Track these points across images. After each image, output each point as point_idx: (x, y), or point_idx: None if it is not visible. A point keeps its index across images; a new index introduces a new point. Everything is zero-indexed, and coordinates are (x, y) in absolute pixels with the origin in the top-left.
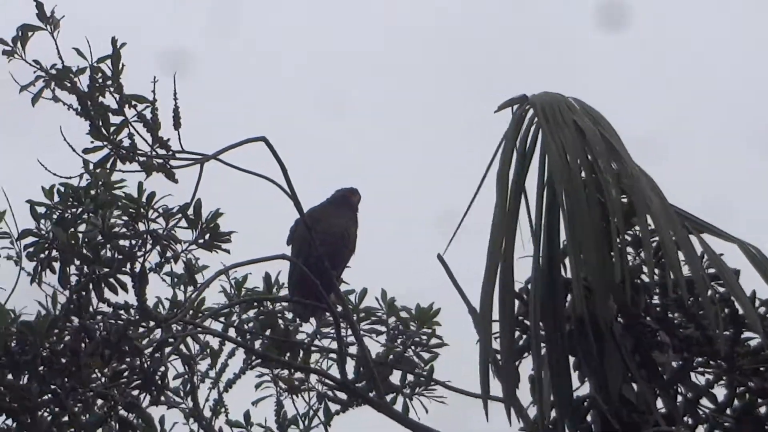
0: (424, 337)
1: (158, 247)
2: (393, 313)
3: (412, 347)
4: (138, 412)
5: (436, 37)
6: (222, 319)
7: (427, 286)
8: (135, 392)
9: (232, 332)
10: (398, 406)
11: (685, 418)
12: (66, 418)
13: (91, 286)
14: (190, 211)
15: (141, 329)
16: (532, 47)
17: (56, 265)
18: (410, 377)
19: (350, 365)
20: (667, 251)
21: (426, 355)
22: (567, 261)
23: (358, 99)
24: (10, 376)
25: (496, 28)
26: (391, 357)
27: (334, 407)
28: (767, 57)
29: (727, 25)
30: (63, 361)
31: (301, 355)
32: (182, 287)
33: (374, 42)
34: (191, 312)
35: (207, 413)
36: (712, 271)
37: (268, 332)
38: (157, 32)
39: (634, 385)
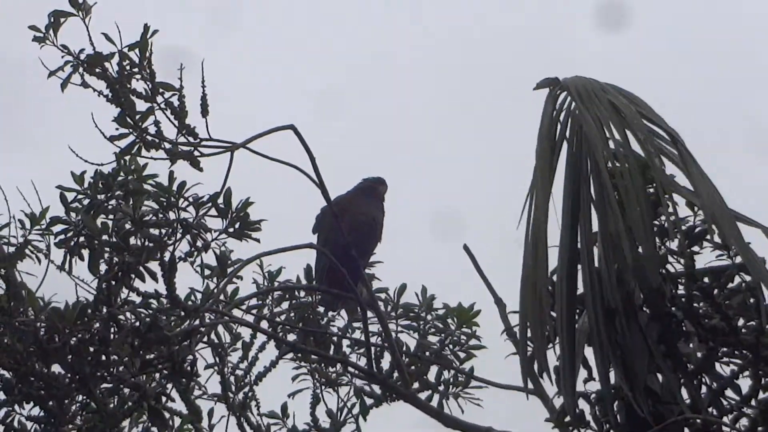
0: (464, 337)
1: (188, 236)
2: (431, 310)
3: (450, 346)
4: (186, 400)
5: (435, 37)
6: (254, 311)
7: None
8: (164, 381)
9: (263, 324)
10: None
11: (710, 409)
12: (94, 406)
13: (120, 275)
14: (220, 200)
15: (171, 318)
16: (532, 47)
17: (85, 253)
18: (446, 374)
19: (386, 360)
20: (722, 228)
21: (462, 355)
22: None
23: (357, 99)
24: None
25: (496, 28)
26: (427, 353)
27: (369, 401)
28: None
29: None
30: (91, 349)
31: (332, 348)
32: (215, 279)
33: (373, 42)
34: (222, 301)
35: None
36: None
37: (300, 324)
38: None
39: (659, 376)
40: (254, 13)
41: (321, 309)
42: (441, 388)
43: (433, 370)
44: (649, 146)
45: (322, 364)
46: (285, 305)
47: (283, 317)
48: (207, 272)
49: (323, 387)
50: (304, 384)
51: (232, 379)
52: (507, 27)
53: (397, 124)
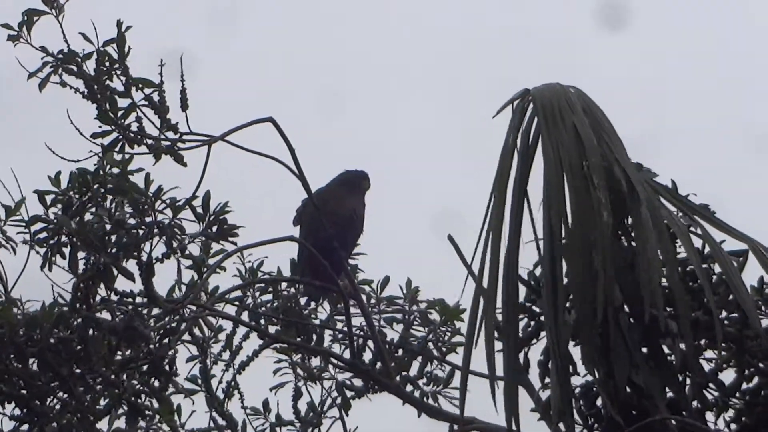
0: (448, 333)
1: (164, 238)
2: (415, 303)
3: (432, 340)
4: (157, 396)
5: (434, 37)
6: (236, 303)
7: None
8: (143, 379)
9: (245, 316)
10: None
11: (694, 403)
12: (74, 404)
13: (97, 274)
14: (198, 203)
15: (148, 315)
16: (531, 47)
17: (66, 251)
18: (429, 368)
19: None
20: (651, 265)
21: (444, 350)
22: None
23: (356, 99)
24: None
25: (496, 28)
26: (410, 348)
27: (350, 394)
28: (763, 56)
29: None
30: (70, 347)
31: (314, 340)
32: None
33: (372, 42)
34: (204, 296)
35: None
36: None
37: (281, 315)
38: (155, 32)
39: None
40: (252, 13)
41: (303, 300)
42: (423, 381)
43: (414, 366)
44: (600, 194)
45: (304, 358)
46: (267, 297)
47: (265, 308)
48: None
49: (305, 381)
50: (285, 378)
51: (213, 371)
52: (506, 27)
53: (397, 125)
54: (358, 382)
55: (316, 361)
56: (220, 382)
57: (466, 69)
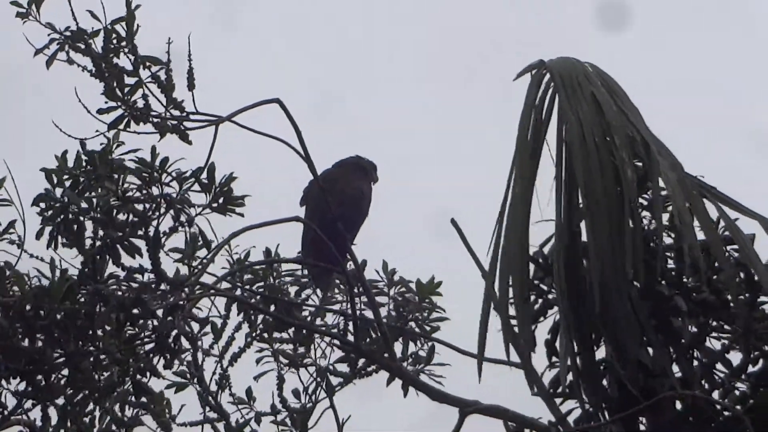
0: (426, 311)
1: (172, 211)
2: (394, 285)
3: (413, 321)
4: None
5: (434, 36)
6: (235, 284)
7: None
8: (149, 356)
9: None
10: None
11: (701, 382)
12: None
13: (105, 250)
14: (204, 175)
15: (155, 292)
16: (531, 47)
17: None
18: (411, 348)
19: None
20: (683, 220)
21: (427, 328)
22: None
23: (355, 97)
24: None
25: (496, 27)
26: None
27: (335, 380)
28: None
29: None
30: (78, 323)
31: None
32: (185, 262)
33: (371, 41)
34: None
35: (213, 388)
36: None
37: (272, 307)
38: (154, 31)
39: (650, 350)
40: (253, 13)
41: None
42: (407, 362)
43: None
44: (624, 154)
45: (295, 344)
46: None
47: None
48: (178, 255)
49: (287, 368)
50: (267, 366)
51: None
52: (506, 27)
53: (397, 125)
54: (343, 368)
55: (300, 348)
56: (214, 373)
57: (465, 69)
